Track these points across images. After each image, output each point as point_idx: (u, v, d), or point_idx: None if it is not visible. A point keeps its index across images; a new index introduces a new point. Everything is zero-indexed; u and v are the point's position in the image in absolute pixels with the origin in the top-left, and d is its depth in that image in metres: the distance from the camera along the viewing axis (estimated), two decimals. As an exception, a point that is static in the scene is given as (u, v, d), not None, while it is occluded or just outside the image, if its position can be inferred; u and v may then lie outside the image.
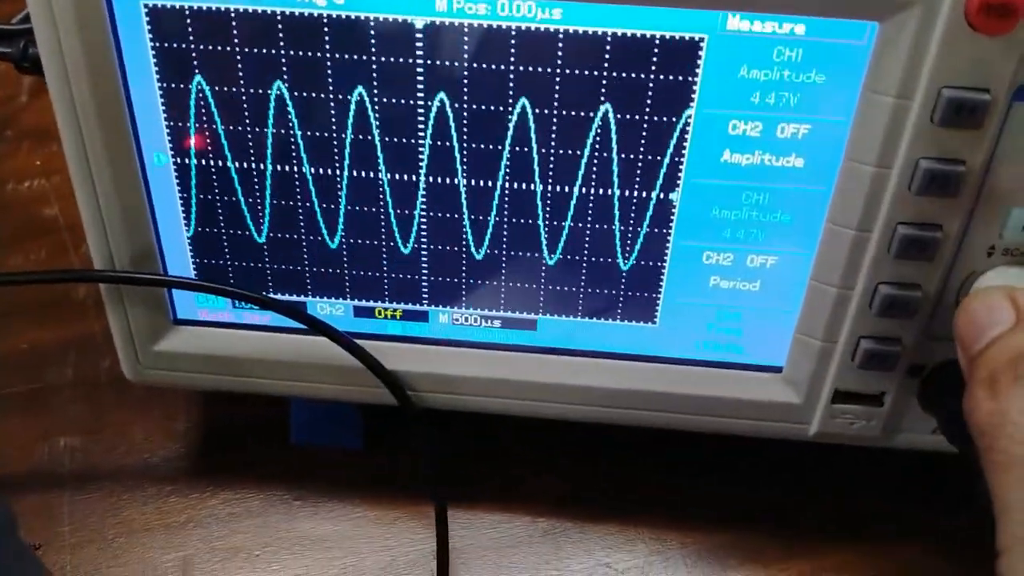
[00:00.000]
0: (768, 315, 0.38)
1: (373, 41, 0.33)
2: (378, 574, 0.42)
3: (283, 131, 0.35)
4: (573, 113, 0.34)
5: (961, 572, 0.43)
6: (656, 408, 0.40)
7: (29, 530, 0.43)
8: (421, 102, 0.34)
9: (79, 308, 0.53)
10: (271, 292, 0.39)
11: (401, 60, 0.33)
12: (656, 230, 0.36)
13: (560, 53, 0.32)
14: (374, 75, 0.34)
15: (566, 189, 0.36)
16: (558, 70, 0.33)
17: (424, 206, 0.36)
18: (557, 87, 0.33)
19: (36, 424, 0.47)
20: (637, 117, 0.34)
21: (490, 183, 0.36)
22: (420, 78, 0.34)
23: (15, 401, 0.48)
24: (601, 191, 0.35)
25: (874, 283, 0.35)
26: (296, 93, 0.34)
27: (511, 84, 0.33)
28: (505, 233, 0.37)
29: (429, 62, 0.33)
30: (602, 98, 0.33)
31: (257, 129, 0.35)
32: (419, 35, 0.33)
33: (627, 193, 0.35)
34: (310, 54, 0.33)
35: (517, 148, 0.35)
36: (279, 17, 0.33)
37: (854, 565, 0.43)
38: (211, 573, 0.42)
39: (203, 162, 0.36)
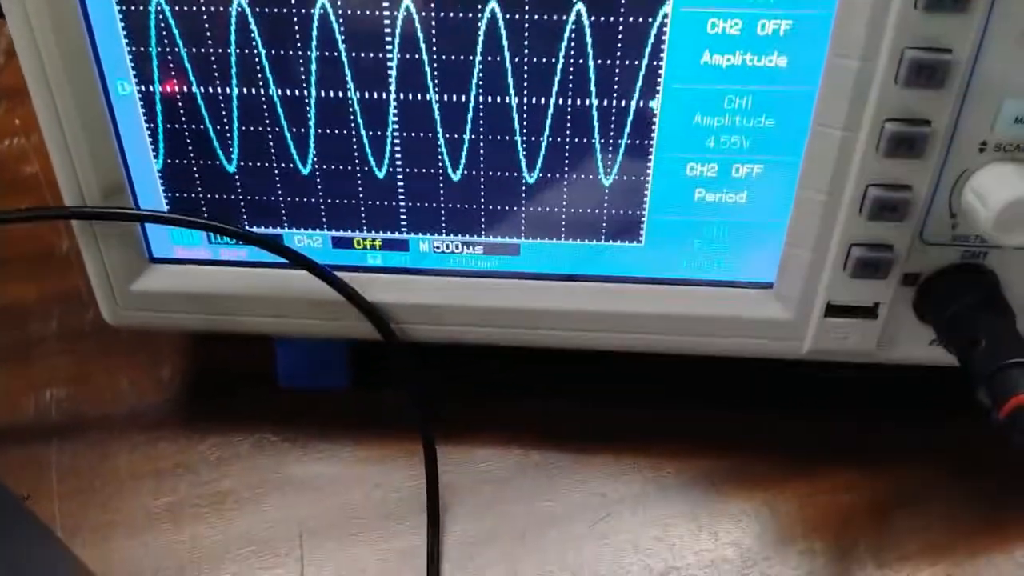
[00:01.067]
0: (756, 228, 0.37)
1: (333, -52, 0.32)
2: (370, 512, 0.42)
3: (247, 51, 0.34)
4: (545, 17, 0.33)
5: (961, 486, 0.42)
6: (645, 331, 0.39)
7: (17, 481, 0.42)
8: (387, 12, 0.33)
9: (63, 262, 0.52)
10: (246, 225, 0.39)
11: (364, -32, 0.32)
12: (637, 141, 0.35)
13: (528, -48, 0.31)
14: (337, -15, 0.33)
15: (542, 101, 0.35)
16: (527, -29, 0.32)
17: (396, 126, 0.36)
18: (527, -10, 0.32)
19: (21, 376, 0.47)
20: (611, 19, 0.32)
21: (463, 97, 0.35)
22: (384, -13, 0.32)
23: (-1, 355, 0.48)
24: (578, 101, 0.34)
25: (863, 186, 0.34)
26: (257, 9, 0.33)
27: (479, -11, 0.32)
28: (482, 151, 0.36)
29: (393, -32, 0.32)
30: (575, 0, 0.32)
31: (220, 50, 0.34)
32: (381, -61, 0.31)
33: (605, 102, 0.34)
34: (269, -34, 0.32)
35: (489, 58, 0.34)
36: (235, -73, 0.32)
37: (853, 486, 0.42)
38: (202, 517, 0.42)
39: (167, 88, 0.35)
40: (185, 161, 0.37)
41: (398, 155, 0.36)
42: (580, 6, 0.32)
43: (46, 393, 0.46)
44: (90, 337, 0.48)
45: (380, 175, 0.37)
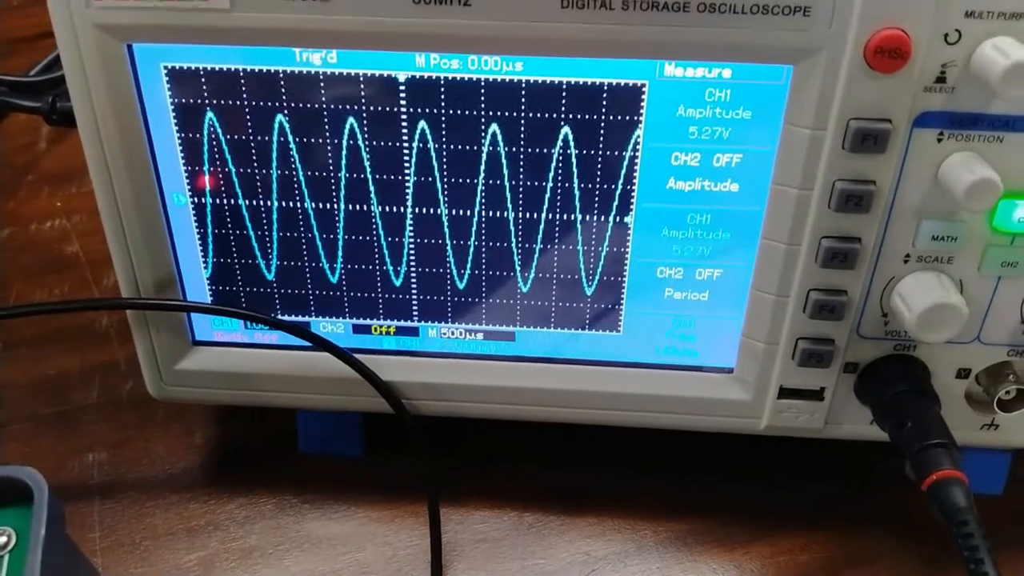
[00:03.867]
0: (718, 321, 0.43)
1: (363, 93, 0.38)
2: (380, 568, 0.46)
3: (286, 172, 0.40)
4: (537, 149, 0.39)
5: (906, 547, 0.47)
6: (623, 408, 0.45)
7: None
8: (406, 143, 0.39)
9: (102, 337, 0.57)
10: (279, 314, 0.44)
11: (387, 108, 0.38)
12: (615, 249, 0.41)
13: (523, 98, 0.38)
14: (364, 121, 0.39)
15: (535, 215, 0.41)
16: (522, 113, 0.38)
17: (412, 234, 0.42)
18: (522, 128, 0.38)
19: (66, 442, 0.51)
20: (593, 152, 0.39)
21: (468, 212, 0.41)
22: (404, 123, 0.39)
23: (46, 422, 0.53)
24: (565, 216, 0.41)
25: (806, 290, 0.40)
26: (297, 139, 0.39)
27: (482, 125, 0.38)
28: (484, 256, 0.42)
29: (412, 109, 0.38)
30: (561, 135, 0.38)
31: (263, 171, 0.40)
32: (402, 87, 0.38)
33: (588, 218, 0.41)
34: (308, 105, 0.39)
35: (490, 181, 0.40)
36: (281, 75, 0.38)
37: (810, 547, 0.47)
38: (229, 570, 0.46)
39: (217, 201, 0.41)
40: (229, 261, 0.43)
41: (412, 259, 0.42)
42: (567, 142, 0.38)
43: (88, 456, 0.51)
44: (128, 407, 0.53)
45: (397, 275, 0.43)
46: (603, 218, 0.40)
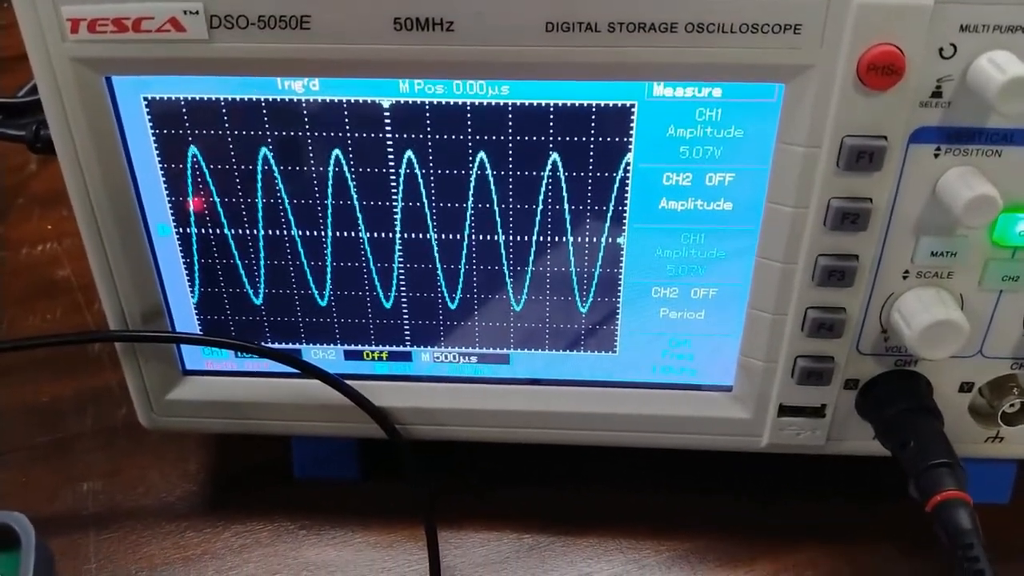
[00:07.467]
0: (715, 340, 0.42)
1: (347, 120, 0.37)
2: (379, 594, 0.46)
3: (272, 200, 0.40)
4: (526, 172, 0.38)
5: (913, 561, 0.46)
6: (621, 429, 0.44)
7: (58, 569, 0.47)
8: (392, 169, 0.38)
9: (95, 362, 0.57)
10: (269, 342, 0.44)
11: (372, 135, 0.38)
12: (608, 270, 0.41)
13: (510, 122, 0.37)
14: (350, 148, 0.38)
15: (526, 238, 0.40)
16: (510, 137, 0.37)
17: (401, 259, 0.41)
18: (510, 151, 0.38)
19: (60, 471, 0.51)
20: (582, 173, 0.38)
21: (458, 236, 0.40)
22: (390, 149, 0.38)
23: (40, 451, 0.52)
24: (556, 238, 0.40)
25: (803, 308, 0.39)
26: (281, 167, 0.39)
27: (470, 150, 0.38)
28: (475, 279, 0.41)
29: (397, 135, 0.38)
30: (550, 158, 0.38)
31: (248, 199, 0.40)
32: (387, 113, 0.37)
33: (580, 239, 0.40)
34: (292, 133, 0.38)
35: (480, 205, 0.39)
36: (263, 103, 0.37)
37: (815, 564, 0.46)
38: (227, 600, 0.46)
39: (202, 231, 0.41)
40: (217, 290, 0.42)
41: (403, 284, 0.42)
42: (556, 164, 0.38)
43: (83, 485, 0.50)
44: (122, 434, 0.53)
45: (387, 301, 0.42)
46: (595, 239, 0.40)
